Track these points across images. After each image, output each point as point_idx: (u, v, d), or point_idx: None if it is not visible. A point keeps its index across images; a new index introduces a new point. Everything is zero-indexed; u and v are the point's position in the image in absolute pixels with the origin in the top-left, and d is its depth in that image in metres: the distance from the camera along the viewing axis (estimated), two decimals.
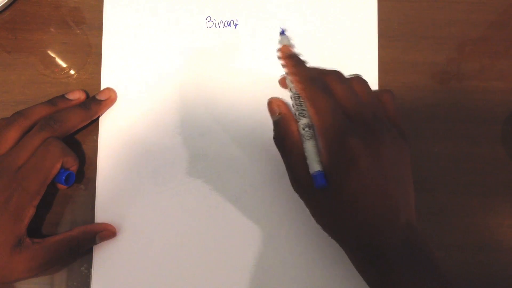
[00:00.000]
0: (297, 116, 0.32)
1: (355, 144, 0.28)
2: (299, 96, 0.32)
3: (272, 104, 0.34)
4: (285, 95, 0.41)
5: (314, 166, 0.29)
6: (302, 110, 0.32)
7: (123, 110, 0.41)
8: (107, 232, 0.38)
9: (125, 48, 0.42)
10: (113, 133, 0.41)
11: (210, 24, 0.42)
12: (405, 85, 0.41)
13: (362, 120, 0.29)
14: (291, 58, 0.33)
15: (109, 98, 0.40)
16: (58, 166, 0.36)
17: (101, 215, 0.40)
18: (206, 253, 0.39)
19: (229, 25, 0.42)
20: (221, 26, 0.42)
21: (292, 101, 0.33)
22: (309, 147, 0.30)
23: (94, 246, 0.39)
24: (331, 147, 0.29)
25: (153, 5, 0.42)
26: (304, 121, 0.31)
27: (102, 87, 0.41)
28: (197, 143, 0.40)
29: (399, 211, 0.28)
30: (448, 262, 0.39)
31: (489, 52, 0.42)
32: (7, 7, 0.42)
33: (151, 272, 0.39)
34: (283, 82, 0.36)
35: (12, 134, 0.36)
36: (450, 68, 0.41)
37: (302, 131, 0.31)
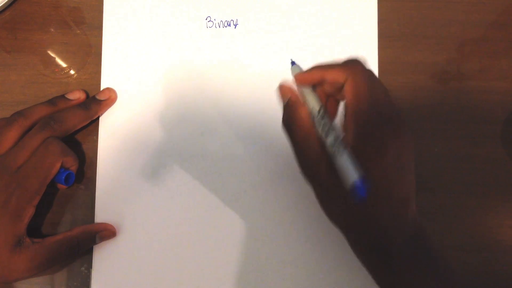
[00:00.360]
0: (324, 134, 0.29)
1: (387, 132, 0.27)
2: (322, 117, 0.30)
3: (282, 89, 0.33)
4: None
5: (355, 175, 0.27)
6: (329, 125, 0.29)
7: (123, 110, 0.41)
8: (107, 232, 0.39)
9: (125, 48, 0.42)
10: (113, 133, 0.41)
11: (210, 24, 0.42)
12: (405, 85, 0.41)
13: (390, 111, 0.29)
14: (311, 69, 0.31)
15: (109, 98, 0.40)
16: (58, 166, 0.36)
17: (101, 215, 0.40)
18: (206, 253, 0.39)
19: (229, 25, 0.42)
20: (221, 26, 0.42)
21: (315, 121, 0.31)
22: (346, 158, 0.27)
23: (94, 246, 0.39)
24: (362, 132, 0.28)
25: (153, 5, 0.42)
26: (331, 137, 0.29)
27: (102, 87, 0.41)
28: (197, 143, 0.40)
29: (409, 204, 0.29)
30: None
31: (489, 52, 0.42)
32: (7, 7, 0.42)
33: (151, 272, 0.39)
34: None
35: (12, 134, 0.36)
36: (450, 68, 0.41)
37: (332, 149, 0.28)
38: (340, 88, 0.30)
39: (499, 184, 0.40)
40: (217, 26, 0.42)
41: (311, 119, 0.30)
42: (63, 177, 0.36)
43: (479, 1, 0.42)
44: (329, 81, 0.30)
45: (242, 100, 0.41)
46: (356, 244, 0.31)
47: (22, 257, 0.34)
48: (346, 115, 0.29)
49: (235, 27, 0.42)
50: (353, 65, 0.29)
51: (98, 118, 0.41)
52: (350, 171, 0.27)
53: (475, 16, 0.42)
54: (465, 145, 0.40)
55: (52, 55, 0.42)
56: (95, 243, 0.38)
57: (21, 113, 0.37)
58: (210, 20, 0.42)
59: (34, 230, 0.39)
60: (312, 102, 0.31)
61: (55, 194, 0.40)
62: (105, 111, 0.41)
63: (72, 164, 0.37)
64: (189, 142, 0.40)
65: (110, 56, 0.42)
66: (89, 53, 0.42)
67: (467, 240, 0.39)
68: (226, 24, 0.42)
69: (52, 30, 0.43)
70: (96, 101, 0.40)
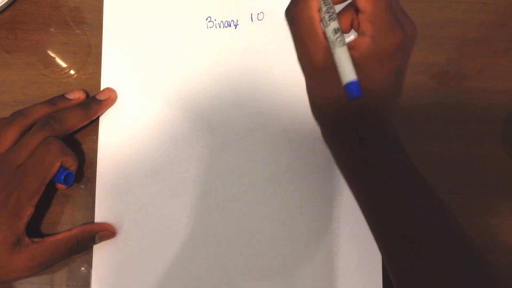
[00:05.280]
0: (326, 20, 0.28)
1: (402, 39, 0.27)
2: (330, 1, 0.28)
3: None
4: (288, 92, 0.41)
5: (350, 74, 0.26)
6: (332, 12, 0.28)
7: (123, 110, 0.41)
8: (107, 232, 0.38)
9: (125, 48, 0.42)
10: (113, 133, 0.41)
11: (210, 24, 0.42)
12: (405, 85, 0.41)
13: (406, 16, 0.28)
14: None
15: (109, 98, 0.40)
16: (57, 165, 0.36)
17: (101, 215, 0.40)
18: (206, 253, 0.39)
19: (229, 25, 0.42)
20: (221, 26, 0.42)
21: (320, 3, 0.29)
22: (343, 53, 0.27)
23: (94, 246, 0.39)
24: (380, 34, 0.27)
25: (153, 6, 0.42)
26: (334, 25, 0.28)
27: (102, 87, 0.41)
28: (197, 143, 0.40)
29: (396, 111, 0.30)
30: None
31: (489, 52, 0.42)
32: (7, 7, 0.42)
33: (151, 272, 0.39)
34: None
35: (12, 134, 0.36)
36: (450, 68, 0.41)
37: (333, 37, 0.27)
38: None
39: (499, 184, 0.40)
40: (218, 26, 0.42)
41: (319, 13, 0.29)
42: (63, 177, 0.36)
43: (479, 1, 0.42)
44: None
45: (242, 100, 0.41)
46: (343, 131, 0.30)
47: (21, 256, 0.34)
48: (361, 18, 0.28)
49: (235, 28, 0.42)
50: None
51: (98, 118, 0.41)
52: (348, 67, 0.26)
53: (475, 16, 0.42)
54: (465, 145, 0.40)
55: (52, 55, 0.42)
56: (94, 243, 0.38)
57: (21, 112, 0.37)
58: (210, 21, 0.42)
59: (34, 230, 0.39)
60: None
61: (55, 194, 0.40)
62: (105, 111, 0.41)
63: (71, 164, 0.37)
64: (189, 142, 0.40)
65: (110, 56, 0.42)
66: (89, 53, 0.42)
67: None
68: (226, 25, 0.42)
69: (52, 30, 0.43)
70: (96, 101, 0.40)
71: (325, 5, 0.28)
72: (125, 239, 0.39)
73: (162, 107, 0.41)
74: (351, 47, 0.27)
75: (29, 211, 0.35)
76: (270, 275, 0.38)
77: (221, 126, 0.41)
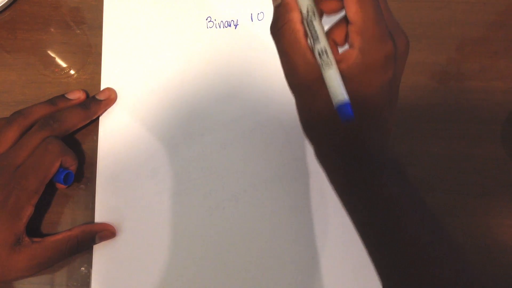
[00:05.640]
0: (311, 41, 0.27)
1: (392, 51, 0.26)
2: (318, 20, 0.28)
3: None
4: (288, 92, 0.41)
5: (340, 96, 0.25)
6: (315, 33, 0.27)
7: (123, 110, 0.41)
8: (107, 232, 0.38)
9: (125, 48, 0.42)
10: (113, 133, 0.41)
11: (210, 24, 0.42)
12: (405, 85, 0.41)
13: (397, 26, 0.28)
14: None
15: (109, 98, 0.40)
16: (57, 165, 0.36)
17: (101, 215, 0.40)
18: (206, 253, 0.39)
19: (229, 25, 0.42)
20: (221, 26, 0.42)
21: (307, 26, 0.28)
22: (332, 75, 0.26)
23: (94, 246, 0.39)
24: (369, 47, 0.26)
25: (153, 6, 0.42)
26: (318, 46, 0.27)
27: (102, 87, 0.41)
28: (197, 143, 0.40)
29: (391, 129, 0.29)
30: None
31: (489, 52, 0.42)
32: (7, 7, 0.42)
33: (151, 272, 0.39)
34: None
35: (11, 134, 0.36)
36: (450, 68, 0.41)
37: (319, 59, 0.26)
38: None
39: (499, 184, 0.40)
40: (218, 26, 0.42)
41: (303, 23, 0.28)
42: (62, 177, 0.36)
43: (479, 1, 0.42)
44: None
45: (242, 100, 0.41)
46: (336, 154, 0.29)
47: (21, 256, 0.34)
48: (350, 30, 0.27)
49: (235, 28, 0.42)
50: None
51: (98, 118, 0.41)
52: (338, 89, 0.25)
53: (475, 16, 0.42)
54: (465, 145, 0.40)
55: (52, 55, 0.42)
56: (94, 243, 0.38)
57: (21, 112, 0.37)
58: (210, 21, 0.42)
59: (34, 229, 0.39)
60: (304, 2, 0.28)
61: (55, 194, 0.40)
62: (104, 111, 0.41)
63: (71, 164, 0.37)
64: (189, 142, 0.40)
65: (110, 56, 0.42)
66: (89, 53, 0.42)
67: (467, 240, 0.39)
68: (226, 25, 0.42)
69: (52, 30, 0.43)
70: (96, 101, 0.40)
71: (308, 27, 0.27)
72: (125, 239, 0.39)
73: (162, 107, 0.41)
74: (339, 60, 0.27)
75: (28, 211, 0.35)
76: (271, 275, 0.38)
77: (221, 126, 0.41)
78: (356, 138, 0.28)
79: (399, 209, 0.27)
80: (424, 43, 0.42)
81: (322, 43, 0.27)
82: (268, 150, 0.40)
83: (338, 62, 0.27)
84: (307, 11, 0.27)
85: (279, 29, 0.28)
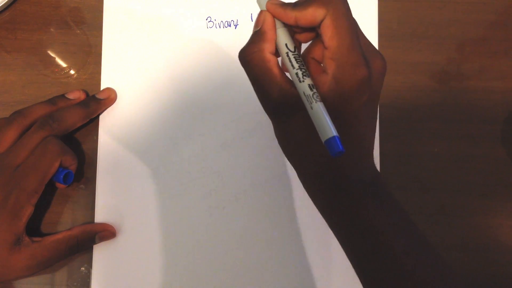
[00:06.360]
0: (299, 77, 0.27)
1: (366, 75, 0.26)
2: (298, 55, 0.28)
3: (260, 16, 0.29)
4: None
5: (329, 131, 0.25)
6: (305, 69, 0.27)
7: (123, 110, 0.41)
8: (107, 233, 0.38)
9: (125, 48, 0.42)
10: (113, 133, 0.41)
11: (210, 24, 0.42)
12: (405, 85, 0.41)
13: (373, 50, 0.28)
14: (285, 6, 0.28)
15: (109, 97, 0.40)
16: (57, 164, 0.36)
17: (101, 215, 0.40)
18: (206, 253, 0.39)
19: (229, 25, 0.42)
20: (221, 26, 0.42)
21: (289, 62, 0.28)
22: (321, 109, 0.26)
23: (94, 246, 0.39)
24: (342, 74, 0.26)
25: (153, 5, 0.42)
26: (308, 81, 0.27)
27: (102, 87, 0.41)
28: (197, 143, 0.40)
29: (371, 150, 0.29)
30: (448, 262, 0.39)
31: (489, 52, 0.42)
32: (7, 7, 0.42)
33: (151, 272, 0.39)
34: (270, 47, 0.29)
35: (11, 133, 0.36)
36: (450, 68, 0.41)
37: (310, 92, 0.26)
38: (313, 27, 0.27)
39: (499, 184, 0.40)
40: (218, 26, 0.42)
41: (274, 56, 0.28)
42: (62, 176, 0.36)
43: (479, 1, 0.42)
44: (308, 18, 0.26)
45: (242, 100, 0.41)
46: (314, 180, 0.29)
47: (21, 256, 0.34)
48: (325, 55, 0.27)
49: (235, 28, 0.42)
50: None
51: (98, 118, 0.41)
52: (326, 125, 0.25)
53: (475, 16, 0.42)
54: (465, 145, 0.40)
55: (52, 55, 0.42)
56: (94, 243, 0.38)
57: (20, 112, 0.37)
58: (210, 21, 0.42)
59: (34, 229, 0.39)
60: (285, 39, 0.28)
61: (55, 194, 0.40)
62: (104, 110, 0.41)
63: (71, 163, 0.37)
64: (189, 142, 0.40)
65: (110, 56, 0.42)
66: (89, 53, 0.42)
67: (467, 240, 0.39)
68: (226, 25, 0.42)
69: (52, 30, 0.43)
70: (95, 100, 0.40)
71: (297, 62, 0.27)
72: (125, 239, 0.39)
73: (162, 107, 0.41)
74: (314, 84, 0.26)
75: (28, 210, 0.35)
76: (271, 275, 0.38)
77: (221, 126, 0.41)
78: (333, 164, 0.28)
79: (380, 236, 0.27)
80: (424, 43, 0.42)
81: (307, 80, 0.27)
82: (268, 150, 0.40)
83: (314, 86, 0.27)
84: (287, 47, 0.28)
85: (250, 55, 0.28)
